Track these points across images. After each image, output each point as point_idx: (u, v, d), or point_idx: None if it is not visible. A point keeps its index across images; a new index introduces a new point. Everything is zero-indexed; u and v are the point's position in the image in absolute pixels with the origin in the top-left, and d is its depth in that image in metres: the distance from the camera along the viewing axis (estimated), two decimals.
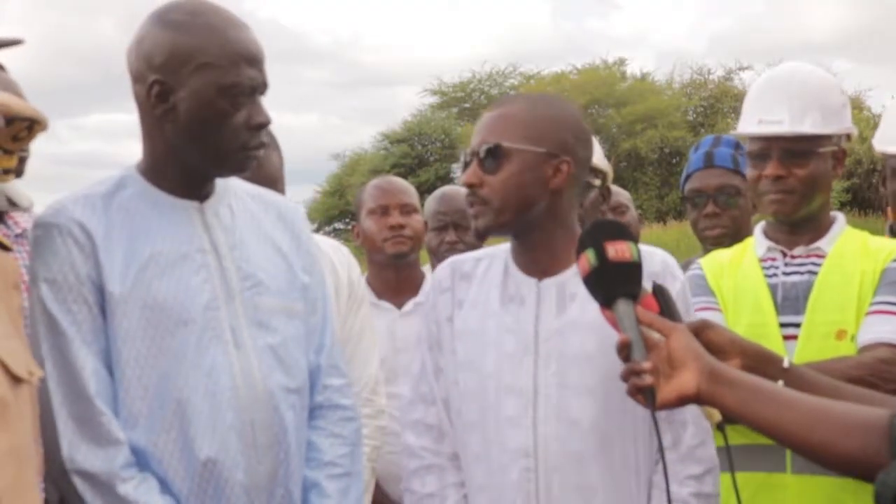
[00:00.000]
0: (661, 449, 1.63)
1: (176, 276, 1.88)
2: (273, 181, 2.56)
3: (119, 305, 1.84)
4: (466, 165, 2.04)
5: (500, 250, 2.13)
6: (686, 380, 1.55)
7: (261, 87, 1.92)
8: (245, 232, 1.99)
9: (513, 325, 2.02)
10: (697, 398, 1.56)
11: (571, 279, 2.00)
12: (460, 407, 2.05)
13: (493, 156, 1.99)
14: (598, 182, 3.03)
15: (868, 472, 1.40)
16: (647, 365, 1.58)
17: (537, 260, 2.04)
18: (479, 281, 2.09)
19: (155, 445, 1.84)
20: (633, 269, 1.67)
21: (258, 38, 1.94)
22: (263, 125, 1.91)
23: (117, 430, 1.82)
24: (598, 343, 1.94)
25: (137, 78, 1.91)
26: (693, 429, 1.97)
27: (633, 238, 1.70)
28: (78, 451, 1.78)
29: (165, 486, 1.85)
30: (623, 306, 1.64)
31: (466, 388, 2.04)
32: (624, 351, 1.62)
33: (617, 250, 1.66)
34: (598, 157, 3.08)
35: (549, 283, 2.03)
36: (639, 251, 1.69)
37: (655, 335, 1.61)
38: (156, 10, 1.92)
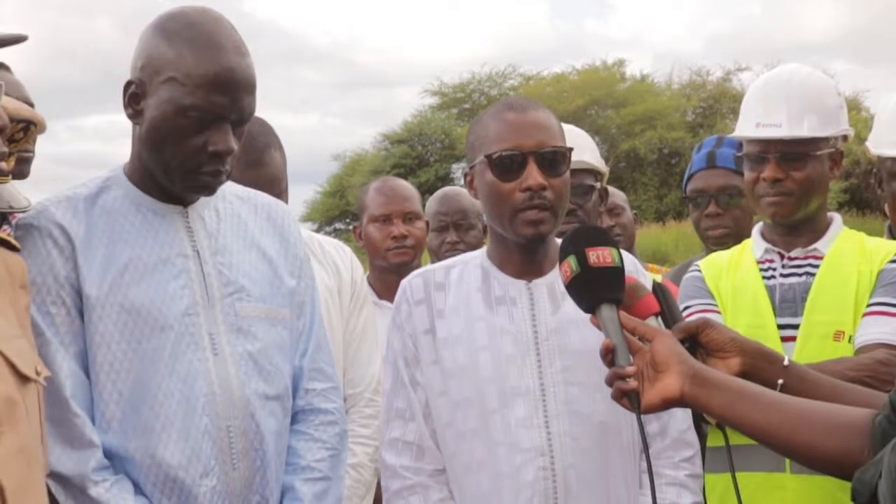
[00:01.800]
0: (646, 451, 1.63)
1: (154, 281, 1.88)
2: (276, 181, 2.56)
3: (95, 308, 1.84)
4: (495, 166, 1.99)
5: (470, 257, 2.14)
6: (670, 383, 1.57)
7: (232, 115, 1.86)
8: (230, 237, 1.98)
9: (508, 327, 2.02)
10: (681, 401, 1.58)
11: (558, 278, 2.02)
12: (451, 418, 2.03)
13: (559, 160, 2.00)
14: (598, 185, 3.04)
15: (851, 472, 1.41)
16: (630, 369, 1.60)
17: (530, 262, 2.06)
18: (455, 288, 2.08)
19: (127, 449, 1.85)
20: (615, 274, 1.68)
21: (250, 66, 1.88)
22: (220, 154, 1.86)
23: (91, 432, 1.82)
24: (599, 338, 1.96)
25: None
26: (681, 414, 2.03)
27: (615, 243, 1.72)
28: (51, 454, 1.77)
29: (139, 490, 1.85)
30: (606, 311, 1.66)
31: (460, 395, 2.02)
32: (608, 355, 1.64)
33: (598, 256, 1.68)
34: (597, 159, 3.09)
35: (539, 283, 2.05)
36: (621, 256, 1.71)
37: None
38: (165, 11, 1.92)
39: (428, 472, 2.04)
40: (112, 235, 1.89)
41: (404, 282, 2.13)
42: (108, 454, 1.85)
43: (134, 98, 1.89)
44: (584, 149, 3.00)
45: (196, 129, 1.84)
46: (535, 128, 2.01)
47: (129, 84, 1.89)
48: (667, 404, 1.59)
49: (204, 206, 1.97)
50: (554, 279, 2.04)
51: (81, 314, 1.85)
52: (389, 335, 2.11)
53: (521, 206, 1.98)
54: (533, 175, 1.97)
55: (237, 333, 1.92)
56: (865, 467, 1.38)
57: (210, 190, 1.93)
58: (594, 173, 3.01)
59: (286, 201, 2.69)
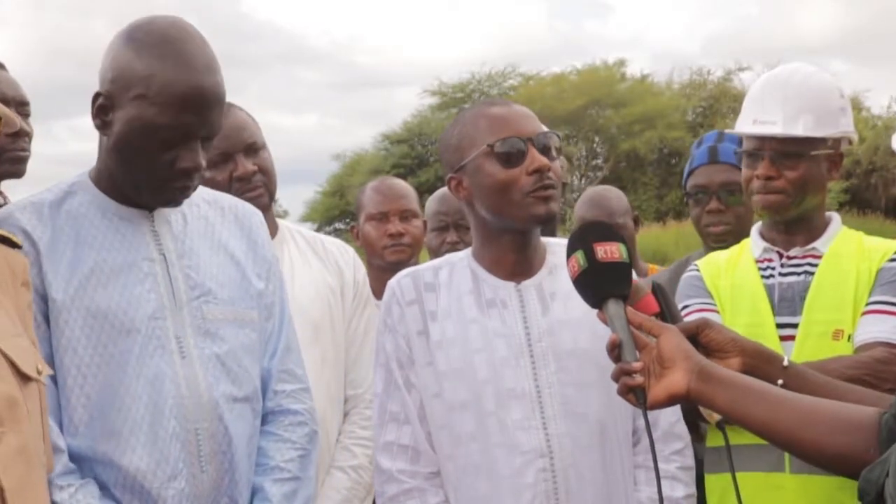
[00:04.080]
0: (652, 447, 1.64)
1: (120, 285, 1.88)
2: (242, 129, 2.53)
3: (61, 313, 1.85)
4: (499, 154, 2.01)
5: (456, 258, 2.15)
6: (676, 379, 1.58)
7: (201, 132, 1.87)
8: (197, 240, 1.99)
9: (501, 330, 2.03)
10: (687, 397, 1.58)
11: (546, 278, 2.07)
12: (447, 420, 2.03)
13: (553, 143, 2.06)
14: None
15: (858, 470, 1.42)
16: (637, 365, 1.61)
17: (521, 261, 2.07)
18: (446, 289, 2.08)
19: (94, 453, 1.85)
20: (622, 269, 1.69)
21: (219, 83, 1.88)
22: (187, 171, 1.87)
23: (57, 437, 1.82)
24: (591, 337, 1.99)
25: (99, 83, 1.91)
26: (670, 406, 2.03)
27: (622, 239, 1.72)
28: None
29: (107, 493, 1.85)
30: (613, 307, 1.66)
31: (456, 398, 2.02)
32: (615, 351, 1.64)
33: (606, 251, 1.69)
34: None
35: (528, 284, 2.07)
36: (629, 252, 1.71)
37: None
38: (135, 21, 1.91)
39: (424, 475, 2.04)
40: (78, 240, 1.89)
41: (392, 282, 2.13)
42: (76, 458, 1.85)
43: (102, 110, 1.89)
44: None
45: (165, 146, 1.85)
46: (525, 116, 2.07)
47: (97, 96, 1.89)
48: (673, 400, 1.60)
49: (170, 210, 1.98)
50: (541, 279, 2.07)
51: (47, 319, 1.86)
52: (381, 337, 2.10)
53: (531, 189, 2.00)
54: (537, 158, 2.00)
55: (204, 336, 1.93)
56: (872, 466, 1.38)
57: (176, 203, 1.94)
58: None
59: (270, 158, 2.64)
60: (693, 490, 2.12)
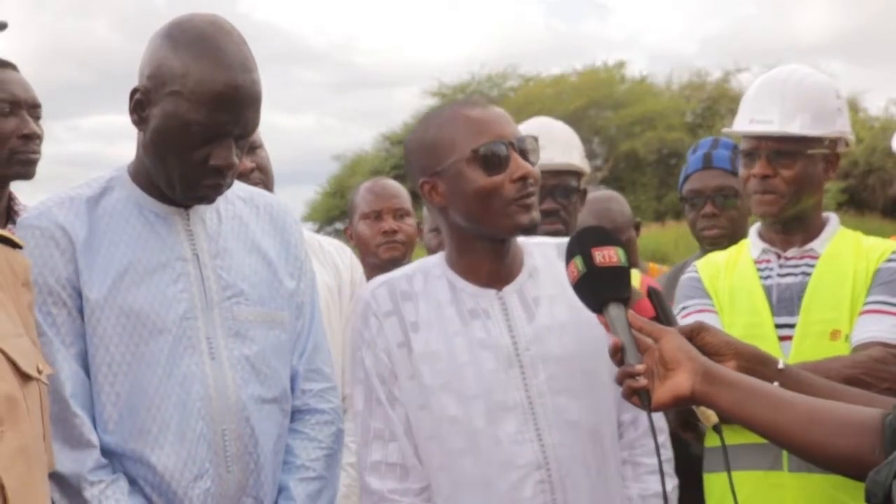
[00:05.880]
0: (657, 447, 1.64)
1: (153, 285, 1.89)
2: None
3: (95, 311, 1.86)
4: (483, 160, 1.93)
5: (429, 265, 2.06)
6: (680, 381, 1.58)
7: (235, 130, 1.86)
8: (230, 239, 1.99)
9: (487, 341, 1.96)
10: (692, 398, 1.59)
11: (527, 283, 2.02)
12: (435, 432, 1.96)
13: (534, 147, 1.98)
14: (579, 186, 3.04)
15: (862, 471, 1.42)
16: (640, 367, 1.61)
17: (500, 266, 2.00)
18: (424, 299, 2.00)
19: (123, 451, 1.87)
20: (621, 273, 1.69)
21: (256, 81, 1.87)
22: (220, 169, 1.87)
23: (90, 432, 1.84)
24: (577, 342, 1.96)
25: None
26: None
27: (621, 243, 1.73)
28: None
29: (136, 487, 1.87)
30: (614, 310, 1.67)
31: (444, 413, 1.95)
32: (617, 354, 1.64)
33: (604, 255, 1.69)
34: (583, 160, 3.08)
35: (510, 290, 2.00)
36: (627, 256, 1.72)
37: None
38: (174, 19, 1.92)
39: (415, 491, 1.98)
40: (113, 238, 1.90)
41: (366, 294, 2.03)
42: (105, 454, 1.86)
43: (139, 105, 1.90)
44: (573, 149, 3.02)
45: (198, 143, 1.85)
46: (505, 119, 1.99)
47: (134, 91, 1.90)
48: (677, 402, 1.60)
49: (205, 209, 1.99)
50: (522, 284, 2.01)
51: (83, 314, 1.87)
52: (358, 353, 2.01)
53: (515, 197, 1.92)
54: (521, 165, 1.93)
55: (235, 337, 1.94)
56: (879, 468, 1.39)
57: (209, 200, 1.95)
58: (578, 175, 3.02)
59: (267, 157, 2.67)
60: (677, 480, 2.13)
